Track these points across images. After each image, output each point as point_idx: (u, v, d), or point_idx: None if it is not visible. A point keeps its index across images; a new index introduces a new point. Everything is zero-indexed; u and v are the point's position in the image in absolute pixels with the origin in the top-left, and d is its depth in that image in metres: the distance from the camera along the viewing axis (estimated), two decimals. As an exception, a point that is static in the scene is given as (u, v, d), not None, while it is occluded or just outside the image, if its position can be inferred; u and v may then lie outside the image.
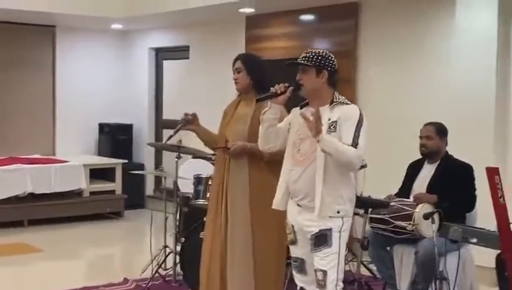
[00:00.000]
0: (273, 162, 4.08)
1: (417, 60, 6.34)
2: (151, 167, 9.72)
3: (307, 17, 7.41)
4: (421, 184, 5.03)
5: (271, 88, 3.64)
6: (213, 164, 7.19)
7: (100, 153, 9.70)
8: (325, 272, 3.48)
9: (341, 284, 3.55)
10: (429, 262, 4.61)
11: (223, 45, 8.41)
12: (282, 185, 3.70)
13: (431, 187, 4.90)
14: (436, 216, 4.63)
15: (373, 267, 5.44)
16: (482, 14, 5.73)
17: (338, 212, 3.51)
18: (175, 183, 6.06)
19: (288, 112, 3.82)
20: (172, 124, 9.31)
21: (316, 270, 3.52)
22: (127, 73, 10.03)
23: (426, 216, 4.68)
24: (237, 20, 8.04)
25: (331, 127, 3.50)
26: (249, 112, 4.22)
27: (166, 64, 9.79)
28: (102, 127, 9.75)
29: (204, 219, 5.05)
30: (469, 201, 4.87)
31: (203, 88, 8.62)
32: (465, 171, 4.90)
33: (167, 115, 9.70)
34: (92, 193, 8.70)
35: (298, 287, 3.73)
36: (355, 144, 3.41)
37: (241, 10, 7.52)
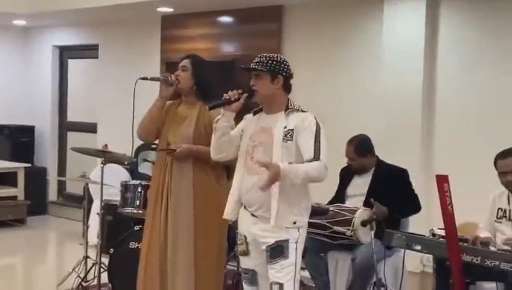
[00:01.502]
0: (218, 166, 4.06)
1: (344, 65, 6.41)
2: (54, 172, 9.43)
3: (227, 19, 7.35)
4: (356, 191, 5.07)
5: (224, 94, 3.55)
6: (127, 169, 7.08)
7: (-1, 156, 9.27)
8: (281, 285, 3.41)
9: None
10: (367, 268, 4.67)
11: (136, 44, 8.23)
12: (234, 193, 3.60)
13: (371, 194, 4.91)
14: (374, 222, 4.73)
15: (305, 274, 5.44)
16: (409, 20, 5.85)
17: (294, 223, 3.46)
18: (86, 189, 5.87)
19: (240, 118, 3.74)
20: (78, 127, 9.20)
21: (271, 284, 3.44)
22: (29, 72, 9.64)
23: (364, 222, 4.74)
24: (152, 19, 7.87)
25: (288, 136, 3.44)
26: (193, 115, 4.16)
27: (72, 64, 9.47)
28: (1, 128, 9.30)
29: (135, 227, 4.93)
30: (415, 202, 4.96)
31: (113, 90, 8.36)
32: (401, 175, 4.99)
33: (72, 117, 9.44)
34: (-8, 199, 8.33)
35: None
36: (317, 156, 3.35)
37: (159, 9, 7.37)
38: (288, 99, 3.57)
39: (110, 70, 8.58)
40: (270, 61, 3.50)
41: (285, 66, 3.54)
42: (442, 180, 3.91)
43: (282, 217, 3.42)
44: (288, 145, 3.43)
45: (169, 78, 4.18)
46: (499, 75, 5.54)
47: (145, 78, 4.17)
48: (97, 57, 8.79)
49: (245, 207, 3.58)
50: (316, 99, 6.46)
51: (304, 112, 3.53)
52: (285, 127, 3.45)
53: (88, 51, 8.99)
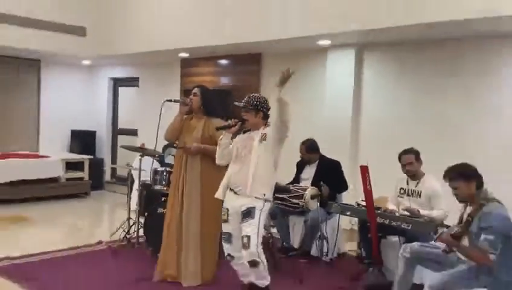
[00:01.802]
0: None
1: (302, 91, 6.36)
2: (108, 161, 9.30)
3: (224, 62, 7.27)
4: (307, 176, 5.07)
5: (228, 121, 3.56)
6: (157, 160, 7.02)
7: (71, 150, 9.10)
8: (249, 237, 3.37)
9: (260, 246, 3.45)
10: (314, 227, 4.67)
11: (164, 77, 8.13)
12: (225, 182, 3.58)
13: (316, 177, 4.95)
14: (319, 197, 4.72)
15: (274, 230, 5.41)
16: (343, 66, 5.85)
17: (264, 194, 3.42)
18: (129, 173, 5.79)
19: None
20: (125, 132, 9.10)
21: (242, 237, 3.39)
22: (93, 95, 9.48)
23: (313, 196, 4.74)
24: (175, 61, 7.79)
25: (261, 140, 3.47)
26: (200, 125, 4.11)
27: (122, 90, 9.33)
28: (73, 132, 9.17)
29: (162, 199, 4.86)
30: (345, 184, 4.98)
31: (148, 107, 8.25)
32: (337, 166, 5.01)
33: (121, 125, 9.30)
34: (67, 179, 8.17)
35: (226, 254, 3.60)
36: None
37: (180, 54, 7.29)
38: (266, 123, 3.54)
39: (147, 94, 8.47)
40: (254, 102, 3.49)
41: (265, 104, 3.52)
42: (364, 170, 3.92)
43: (255, 189, 3.38)
44: (262, 145, 3.47)
45: (186, 100, 4.13)
46: (401, 99, 5.56)
47: (169, 100, 4.12)
48: (138, 86, 8.69)
49: (230, 189, 3.54)
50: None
51: (268, 126, 3.53)
52: (261, 134, 3.48)
53: (132, 82, 8.88)
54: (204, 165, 4.04)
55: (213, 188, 3.69)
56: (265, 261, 3.43)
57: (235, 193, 3.49)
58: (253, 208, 3.39)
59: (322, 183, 4.71)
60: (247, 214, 3.39)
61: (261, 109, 3.51)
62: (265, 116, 3.55)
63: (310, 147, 5.03)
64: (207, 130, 4.07)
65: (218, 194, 3.58)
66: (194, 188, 4.03)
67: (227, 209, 3.54)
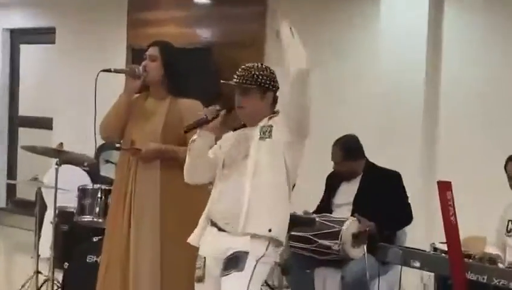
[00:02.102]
0: None
1: (335, 54, 6.42)
2: (2, 173, 9.39)
3: (202, 1, 7.34)
4: (344, 199, 5.10)
5: (200, 113, 3.57)
6: (85, 170, 7.07)
7: None
8: None
9: None
10: (358, 287, 4.69)
11: (99, 28, 8.18)
12: (203, 217, 3.62)
13: (358, 204, 4.97)
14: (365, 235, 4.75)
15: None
16: (409, 12, 5.88)
17: (269, 230, 3.43)
18: (38, 194, 5.85)
19: None
20: (31, 122, 9.17)
21: None
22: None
23: (356, 235, 4.76)
24: (117, 1, 7.86)
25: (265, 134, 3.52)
26: (162, 109, 4.15)
27: (25, 49, 9.44)
28: None
29: (94, 239, 4.91)
30: (406, 212, 4.99)
31: (72, 80, 8.30)
32: (393, 181, 5.03)
33: (25, 111, 9.41)
34: None
35: None
36: None
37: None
38: (273, 111, 3.59)
39: (69, 57, 8.52)
40: (258, 76, 3.49)
41: (275, 79, 3.54)
42: (444, 188, 3.93)
43: (253, 222, 3.38)
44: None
45: (137, 70, 4.16)
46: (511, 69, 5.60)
47: (108, 70, 4.14)
48: (54, 42, 8.74)
49: (212, 223, 3.57)
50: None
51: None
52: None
53: (43, 35, 8.94)
54: (166, 179, 4.08)
55: (184, 212, 3.73)
56: None
57: (220, 229, 3.52)
58: (245, 253, 3.41)
59: (356, 215, 4.75)
60: (233, 262, 3.39)
61: (269, 86, 3.52)
62: (275, 100, 3.58)
63: (348, 151, 5.06)
64: (172, 118, 4.09)
65: (192, 239, 3.62)
66: (148, 220, 4.06)
67: (204, 259, 3.57)
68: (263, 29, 6.78)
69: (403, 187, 5.01)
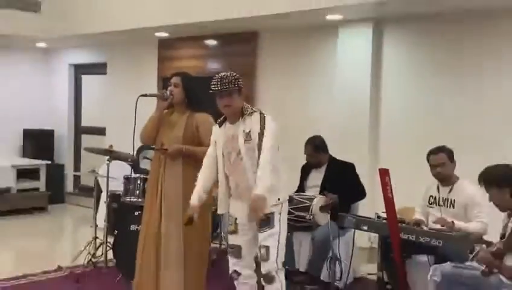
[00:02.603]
0: None
1: (305, 80, 6.42)
2: (70, 167, 9.39)
3: (212, 42, 7.32)
4: (313, 183, 5.12)
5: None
6: (129, 164, 7.07)
7: (24, 155, 9.15)
8: (267, 247, 3.42)
9: (281, 262, 3.47)
10: (324, 245, 4.69)
11: (138, 63, 8.17)
12: (222, 191, 3.61)
13: (324, 185, 4.98)
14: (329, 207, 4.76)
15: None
16: (358, 46, 5.87)
17: (278, 199, 3.48)
18: (96, 182, 5.85)
19: None
20: (90, 130, 9.16)
21: (260, 247, 3.45)
22: (50, 86, 9.54)
23: (322, 208, 4.78)
24: (151, 42, 7.83)
25: (247, 138, 3.46)
26: (182, 120, 4.15)
27: (86, 79, 9.38)
28: (26, 132, 9.21)
29: (135, 213, 4.90)
30: (361, 191, 5.01)
31: (118, 100, 8.29)
32: (350, 169, 5.04)
33: (86, 122, 9.36)
34: (19, 191, 8.23)
35: (231, 271, 3.64)
36: (266, 156, 3.34)
37: (157, 34, 7.34)
38: (243, 105, 3.55)
39: (116, 84, 8.51)
40: (232, 80, 3.48)
41: (240, 79, 3.54)
42: (384, 173, 3.97)
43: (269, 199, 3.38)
44: (250, 145, 3.45)
45: (165, 94, 4.16)
46: (432, 84, 5.57)
47: (144, 95, 4.17)
48: (105, 73, 8.73)
49: (235, 199, 3.59)
50: (283, 107, 6.48)
51: (254, 112, 3.52)
52: (243, 131, 3.48)
53: (98, 68, 8.91)
54: (186, 171, 4.06)
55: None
56: (284, 281, 3.48)
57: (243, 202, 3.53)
58: (272, 214, 3.45)
59: (325, 192, 4.76)
60: (265, 222, 3.44)
61: (241, 85, 3.52)
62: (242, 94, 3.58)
63: (317, 146, 5.08)
64: (190, 127, 4.10)
65: (220, 209, 3.64)
66: (174, 200, 4.06)
67: (235, 219, 3.59)
68: (255, 61, 6.80)
69: (357, 174, 5.04)
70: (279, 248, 3.46)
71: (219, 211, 3.66)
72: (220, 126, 3.62)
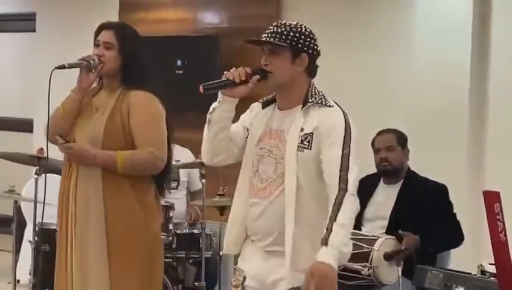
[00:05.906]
0: (142, 180, 4.06)
1: (365, 45, 6.51)
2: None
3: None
4: (378, 211, 5.14)
5: (225, 72, 3.43)
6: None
7: None
8: None
9: None
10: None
11: (87, 13, 8.19)
12: (236, 220, 3.56)
13: (395, 218, 5.02)
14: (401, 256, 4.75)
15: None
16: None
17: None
18: (16, 208, 5.88)
19: None
20: (7, 125, 9.22)
21: None
22: None
23: (388, 256, 4.76)
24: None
25: (304, 143, 3.36)
26: (109, 104, 4.07)
27: (1, 38, 9.58)
28: None
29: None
30: (456, 231, 5.02)
31: (57, 78, 8.32)
32: (439, 194, 5.07)
33: (1, 111, 9.57)
34: None
35: None
36: (344, 183, 3.26)
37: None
38: (310, 86, 3.47)
39: (52, 48, 8.57)
40: (292, 33, 3.41)
41: (312, 41, 3.45)
42: (491, 199, 3.92)
43: (303, 255, 3.35)
44: (305, 155, 3.37)
45: (91, 62, 4.05)
46: None
47: (62, 67, 4.10)
48: (34, 30, 8.85)
49: (252, 240, 3.55)
50: (327, 89, 6.48)
51: (330, 106, 3.43)
52: (302, 130, 3.38)
53: (22, 22, 9.06)
54: (109, 185, 4.00)
55: (131, 231, 3.85)
56: None
57: (264, 250, 3.50)
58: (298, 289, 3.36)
59: (400, 231, 4.76)
60: None
61: (305, 47, 3.42)
62: (312, 69, 3.48)
63: (401, 137, 5.14)
64: (119, 115, 4.03)
65: (229, 247, 3.59)
66: (91, 235, 4.01)
67: (244, 277, 3.52)
68: (280, 13, 6.83)
69: (451, 202, 5.05)
70: None
71: (225, 250, 3.64)
72: (263, 107, 3.57)
